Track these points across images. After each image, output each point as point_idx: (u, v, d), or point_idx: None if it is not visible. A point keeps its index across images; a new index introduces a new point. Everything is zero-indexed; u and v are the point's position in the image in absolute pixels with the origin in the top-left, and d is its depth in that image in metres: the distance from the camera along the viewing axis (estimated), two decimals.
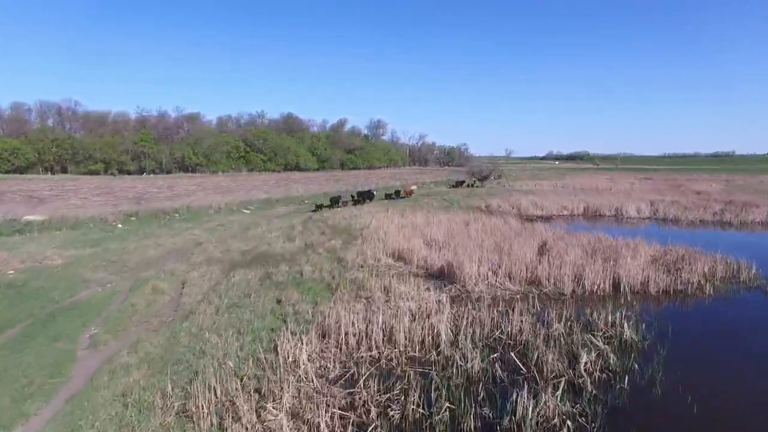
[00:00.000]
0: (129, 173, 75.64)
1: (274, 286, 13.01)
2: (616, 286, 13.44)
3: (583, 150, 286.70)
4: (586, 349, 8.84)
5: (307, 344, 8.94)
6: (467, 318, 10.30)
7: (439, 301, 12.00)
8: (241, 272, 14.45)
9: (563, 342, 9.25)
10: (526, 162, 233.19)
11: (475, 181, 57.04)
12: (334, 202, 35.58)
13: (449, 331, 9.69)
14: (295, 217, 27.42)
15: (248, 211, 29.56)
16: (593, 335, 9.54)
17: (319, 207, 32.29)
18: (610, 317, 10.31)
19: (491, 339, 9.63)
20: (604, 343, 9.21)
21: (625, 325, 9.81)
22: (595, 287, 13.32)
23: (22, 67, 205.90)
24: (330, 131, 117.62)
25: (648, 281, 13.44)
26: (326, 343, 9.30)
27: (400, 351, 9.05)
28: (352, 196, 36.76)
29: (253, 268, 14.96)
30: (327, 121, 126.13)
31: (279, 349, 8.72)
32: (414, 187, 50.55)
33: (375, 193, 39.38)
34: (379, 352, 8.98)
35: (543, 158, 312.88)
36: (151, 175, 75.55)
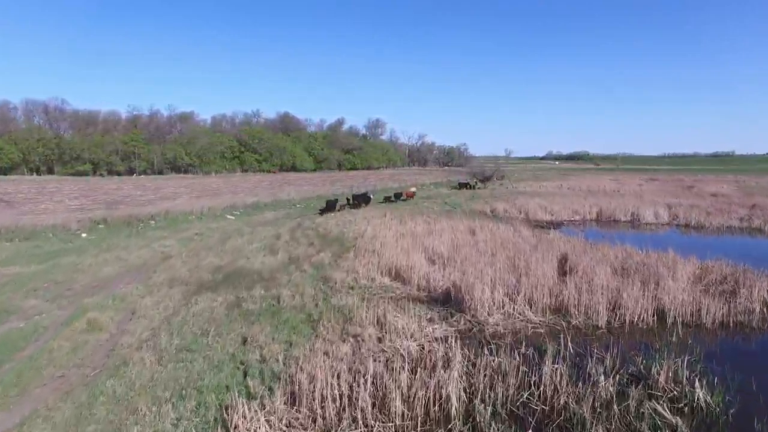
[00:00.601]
0: (119, 174, 73.03)
1: (242, 318, 10.58)
2: (660, 315, 11.02)
3: (583, 150, 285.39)
4: (651, 424, 6.44)
5: (268, 416, 6.52)
6: (485, 370, 7.88)
7: (446, 338, 9.63)
8: (207, 297, 12.02)
9: (617, 410, 6.82)
10: (526, 162, 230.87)
11: (477, 183, 54.71)
12: (331, 206, 33.10)
13: (462, 393, 7.26)
14: (284, 224, 24.98)
15: (233, 217, 27.11)
16: (655, 398, 7.13)
17: (324, 211, 30.50)
18: (670, 369, 7.88)
19: (518, 403, 7.20)
20: (671, 412, 6.79)
21: (696, 383, 7.38)
22: (636, 318, 10.92)
23: (9, 66, 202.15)
24: (327, 131, 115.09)
25: (700, 310, 11.03)
26: (296, 412, 6.86)
27: (396, 426, 6.62)
28: (348, 200, 34.35)
29: (222, 292, 12.53)
30: (324, 120, 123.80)
31: (229, 424, 6.32)
32: (413, 189, 48.23)
33: (372, 196, 36.95)
34: (368, 429, 6.54)
35: (542, 158, 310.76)
36: (142, 176, 73.02)
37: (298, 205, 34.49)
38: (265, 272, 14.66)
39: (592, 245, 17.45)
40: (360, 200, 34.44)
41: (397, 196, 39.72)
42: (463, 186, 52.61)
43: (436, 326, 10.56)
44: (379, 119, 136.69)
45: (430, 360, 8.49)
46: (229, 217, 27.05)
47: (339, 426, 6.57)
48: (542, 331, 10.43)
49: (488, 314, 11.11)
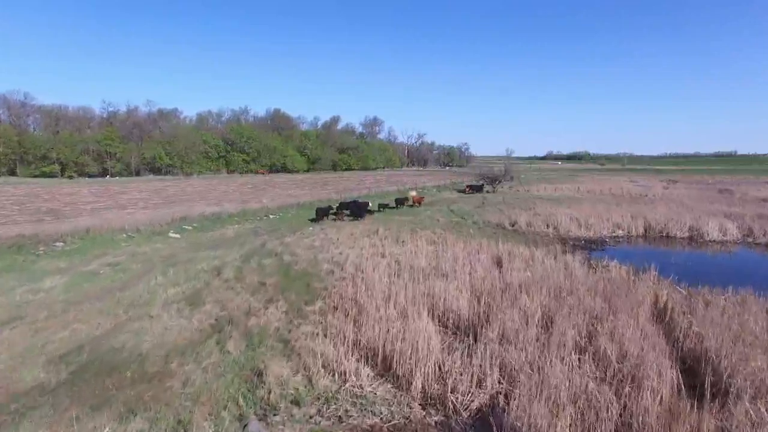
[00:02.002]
0: (90, 176, 66.64)
1: None
2: None
3: (583, 150, 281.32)
4: None
5: None
6: None
7: None
8: None
9: None
10: (528, 162, 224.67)
11: (485, 186, 48.54)
12: (323, 214, 26.94)
13: None
14: (241, 246, 18.74)
15: (178, 235, 20.85)
16: None
17: (315, 221, 25.80)
18: None
19: None
20: None
21: None
22: None
23: None
24: (321, 129, 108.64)
25: None
26: None
27: None
28: (334, 209, 28.12)
29: (30, 428, 6.26)
30: (318, 118, 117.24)
31: None
32: (414, 193, 42.14)
33: (370, 203, 30.43)
34: None
35: (543, 158, 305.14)
36: (115, 179, 66.73)
37: (271, 216, 28.16)
38: (156, 358, 8.40)
39: (698, 294, 11.23)
40: (353, 210, 28.11)
41: (400, 202, 33.30)
42: (471, 189, 46.49)
43: None
44: (377, 117, 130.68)
45: None
46: (173, 235, 20.74)
47: None
48: None
49: None
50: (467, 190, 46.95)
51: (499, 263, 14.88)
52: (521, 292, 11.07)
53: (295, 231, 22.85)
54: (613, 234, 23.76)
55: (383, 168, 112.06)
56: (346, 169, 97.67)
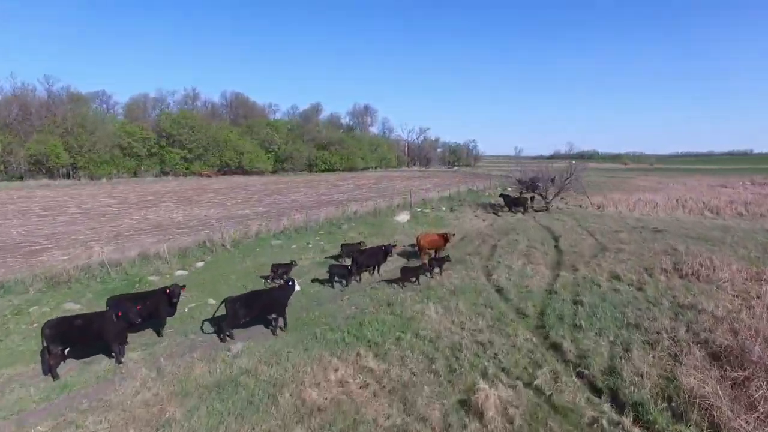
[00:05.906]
0: None
1: None
2: None
3: (592, 149, 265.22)
4: None
5: None
6: None
7: None
8: None
9: None
10: (536, 162, 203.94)
11: (524, 197, 27.82)
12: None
13: None
14: None
15: None
16: None
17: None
18: None
19: None
20: None
21: None
22: None
23: None
24: (298, 119, 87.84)
25: None
26: None
27: None
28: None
29: None
30: (297, 107, 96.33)
31: None
32: (400, 220, 21.78)
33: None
34: None
35: (550, 157, 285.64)
36: None
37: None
38: None
39: None
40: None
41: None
42: (509, 204, 26.15)
43: None
44: (368, 106, 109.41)
45: None
46: None
47: None
48: None
49: None
50: (506, 205, 26.62)
51: None
52: None
53: None
54: None
55: (375, 168, 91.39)
56: (325, 170, 76.99)
